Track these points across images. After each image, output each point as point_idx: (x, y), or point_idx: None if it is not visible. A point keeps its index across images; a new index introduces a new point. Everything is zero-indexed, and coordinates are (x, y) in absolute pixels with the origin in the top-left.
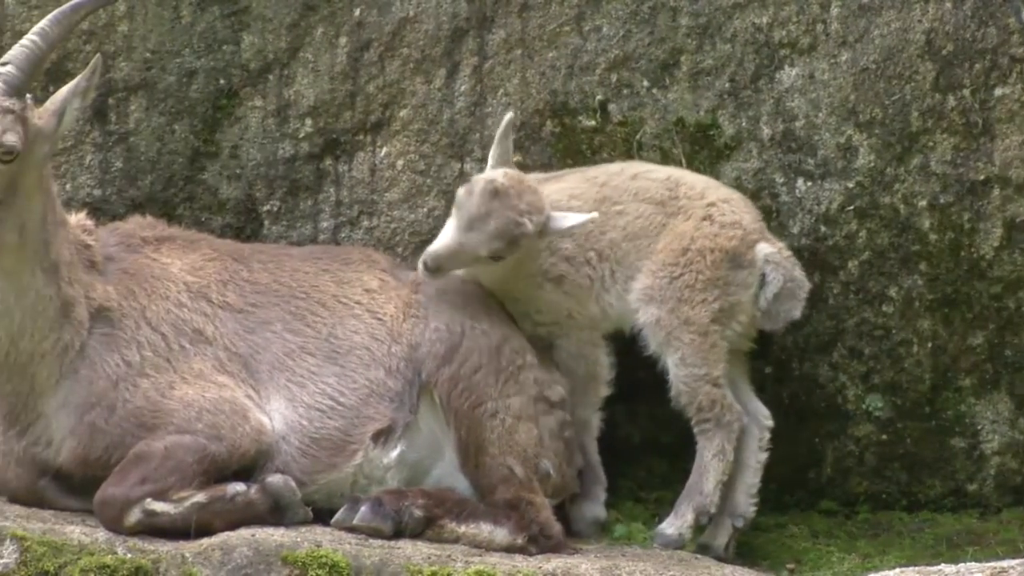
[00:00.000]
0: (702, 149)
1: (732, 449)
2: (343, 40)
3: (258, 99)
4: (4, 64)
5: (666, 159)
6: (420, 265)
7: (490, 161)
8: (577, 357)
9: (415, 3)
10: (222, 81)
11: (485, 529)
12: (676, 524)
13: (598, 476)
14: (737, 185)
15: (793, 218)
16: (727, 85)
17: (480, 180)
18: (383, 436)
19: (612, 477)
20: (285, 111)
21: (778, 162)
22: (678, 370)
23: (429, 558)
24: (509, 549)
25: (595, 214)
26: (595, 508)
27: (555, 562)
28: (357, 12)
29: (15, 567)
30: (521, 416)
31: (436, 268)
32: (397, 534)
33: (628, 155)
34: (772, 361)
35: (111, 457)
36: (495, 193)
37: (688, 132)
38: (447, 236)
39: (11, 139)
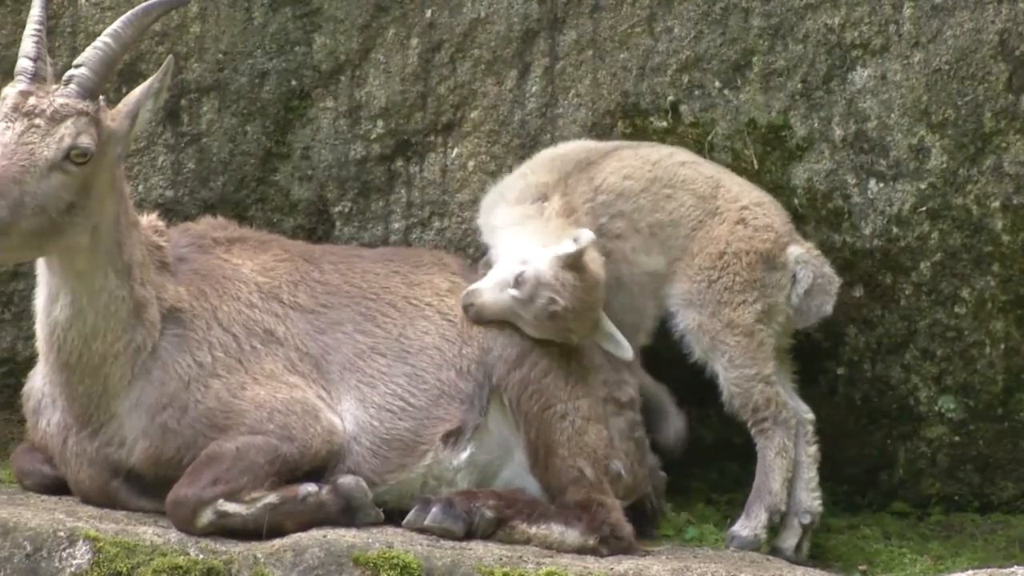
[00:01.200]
0: (774, 150)
1: (792, 445)
2: (414, 41)
3: (330, 100)
4: (77, 66)
5: (738, 160)
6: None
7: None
8: (629, 309)
9: (486, 4)
10: (294, 82)
11: (556, 530)
12: (750, 525)
13: (659, 394)
14: (809, 186)
15: (865, 219)
16: (799, 86)
17: (549, 302)
18: (453, 437)
19: (684, 479)
20: (357, 112)
21: (850, 163)
22: (728, 372)
23: (500, 559)
24: (580, 550)
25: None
26: (675, 421)
27: (626, 564)
28: (428, 13)
29: (88, 568)
30: (591, 417)
31: (476, 315)
32: (468, 535)
33: (700, 156)
34: (844, 362)
35: (183, 458)
36: (553, 316)
37: (760, 133)
38: (487, 283)
39: (85, 141)
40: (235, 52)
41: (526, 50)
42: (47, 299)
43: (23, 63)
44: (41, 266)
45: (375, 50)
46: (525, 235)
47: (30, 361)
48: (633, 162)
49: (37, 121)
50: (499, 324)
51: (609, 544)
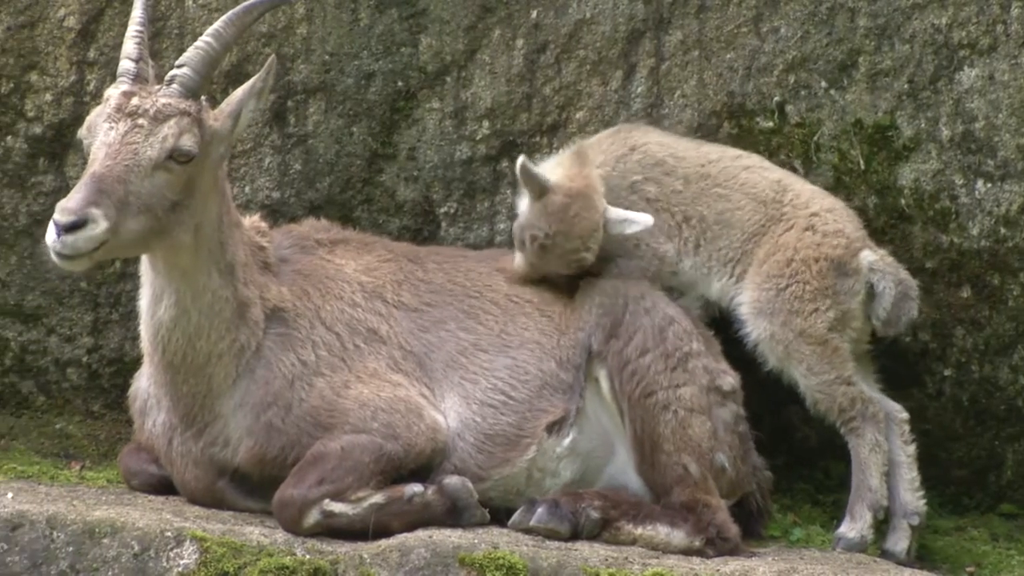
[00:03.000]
0: (880, 150)
1: (884, 439)
2: (520, 42)
3: (435, 101)
4: (180, 66)
5: (844, 161)
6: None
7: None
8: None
9: (592, 5)
10: (400, 83)
11: (662, 531)
12: (856, 527)
13: None
14: (916, 187)
15: (972, 220)
16: (906, 86)
17: (531, 239)
18: (556, 425)
19: (789, 480)
20: (462, 113)
21: (957, 163)
22: (808, 380)
23: (606, 560)
24: (686, 552)
25: (650, 219)
26: None
27: (732, 565)
28: (534, 14)
29: (195, 568)
30: (694, 408)
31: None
32: (574, 536)
33: (806, 156)
34: (951, 364)
35: (287, 457)
36: (542, 248)
37: (866, 133)
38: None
39: (187, 141)
40: (341, 53)
41: (632, 51)
42: (151, 299)
43: (125, 64)
44: (145, 267)
45: (481, 51)
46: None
47: (137, 362)
48: (687, 148)
49: (140, 121)
50: (590, 299)
51: (715, 545)
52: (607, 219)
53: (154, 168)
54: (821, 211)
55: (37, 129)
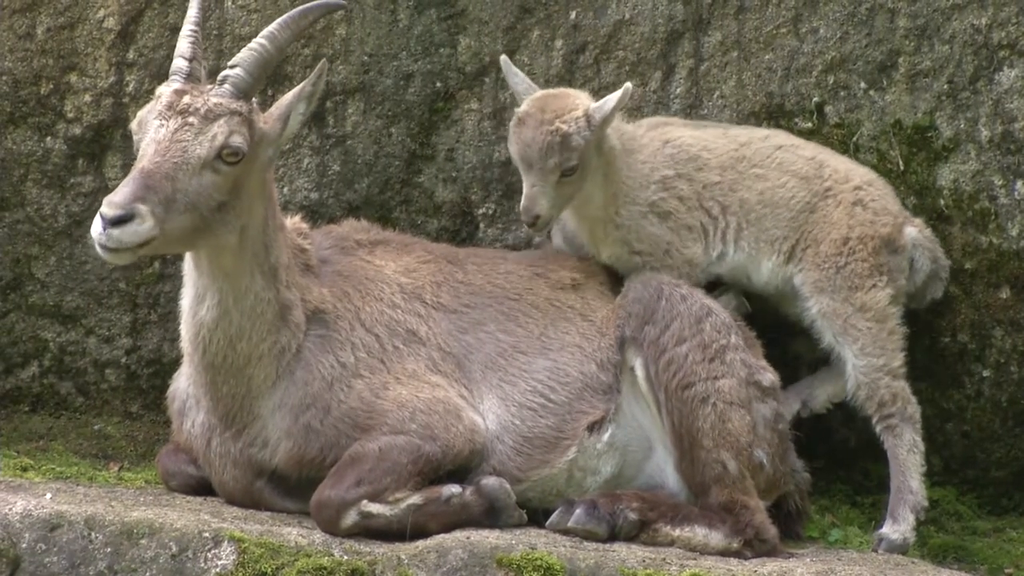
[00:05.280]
0: (919, 151)
1: (920, 440)
2: (559, 43)
3: (474, 102)
4: (232, 67)
5: (883, 161)
6: (525, 227)
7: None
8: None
9: (631, 6)
10: (439, 84)
11: (700, 533)
12: (900, 529)
13: None
14: (955, 187)
15: (1011, 220)
16: (945, 87)
17: (510, 125)
18: (596, 425)
19: (828, 481)
20: (501, 114)
21: (997, 164)
22: (857, 360)
23: (643, 561)
24: (724, 553)
25: (629, 85)
26: None
27: (770, 566)
28: (573, 15)
29: (233, 568)
30: (733, 401)
31: (532, 218)
32: (611, 537)
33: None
34: (990, 365)
35: (326, 458)
36: (520, 123)
37: (905, 134)
38: (524, 189)
39: (237, 141)
40: (380, 54)
41: (670, 51)
42: (193, 299)
43: (178, 63)
44: (188, 266)
45: (520, 52)
46: None
47: (176, 363)
48: (715, 136)
49: (191, 119)
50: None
51: (753, 547)
52: (589, 110)
53: (202, 167)
54: (863, 184)
55: (76, 130)
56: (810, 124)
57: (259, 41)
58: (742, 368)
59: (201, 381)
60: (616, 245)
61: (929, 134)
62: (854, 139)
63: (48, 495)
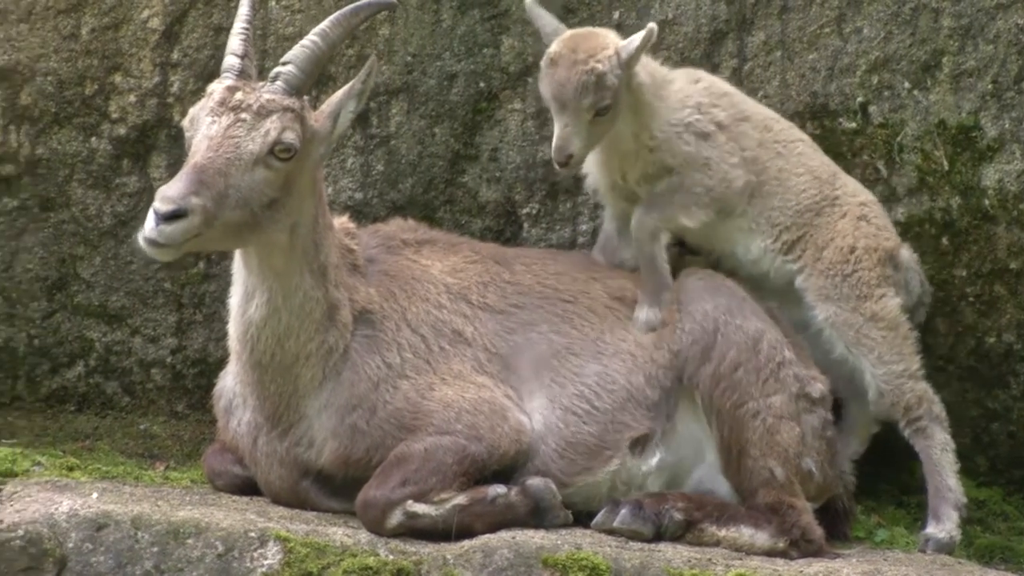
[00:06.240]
0: (964, 151)
1: (949, 438)
2: None
3: (517, 102)
4: (285, 64)
5: (927, 161)
6: (555, 166)
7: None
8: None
9: (675, 5)
10: (482, 84)
11: (746, 533)
12: (945, 528)
13: None
14: (1000, 187)
15: None
16: (990, 87)
17: (541, 65)
18: (640, 445)
19: (874, 482)
20: (544, 114)
21: None
22: (876, 369)
23: (689, 561)
24: (770, 553)
25: (653, 25)
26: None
27: (816, 566)
28: (616, 14)
29: (279, 568)
30: (783, 415)
31: (565, 157)
32: (657, 537)
33: (889, 158)
34: None
35: (372, 458)
36: (552, 63)
37: (950, 134)
38: (554, 129)
39: (290, 137)
40: (424, 54)
41: (714, 51)
42: (242, 297)
43: (230, 60)
44: (237, 264)
45: None
46: None
47: (221, 362)
48: (750, 102)
49: (243, 115)
50: (681, 320)
51: (799, 547)
52: (619, 47)
53: (255, 163)
54: (868, 202)
55: (121, 130)
56: (854, 124)
57: (311, 38)
58: (794, 383)
59: (248, 379)
60: (649, 165)
61: (973, 134)
62: (898, 139)
63: (94, 495)
